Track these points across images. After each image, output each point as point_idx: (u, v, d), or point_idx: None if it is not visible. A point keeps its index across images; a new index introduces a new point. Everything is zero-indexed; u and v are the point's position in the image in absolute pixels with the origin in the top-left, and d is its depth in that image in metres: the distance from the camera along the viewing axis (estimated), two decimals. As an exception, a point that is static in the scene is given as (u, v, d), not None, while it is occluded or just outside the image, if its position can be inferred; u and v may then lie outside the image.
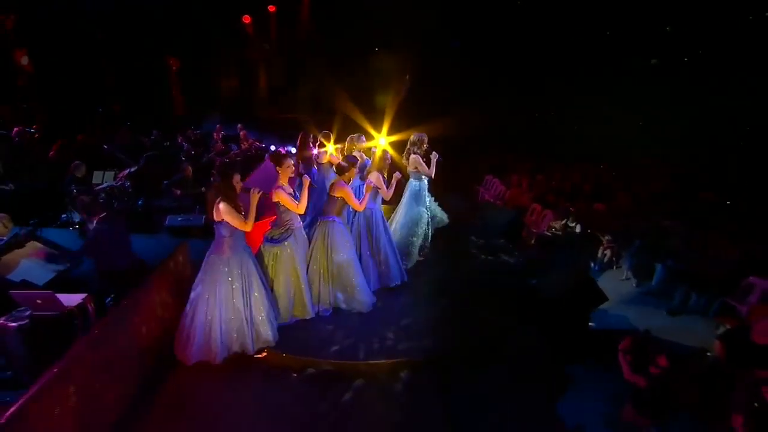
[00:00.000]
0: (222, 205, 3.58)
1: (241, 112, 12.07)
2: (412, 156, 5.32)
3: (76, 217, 5.63)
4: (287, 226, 4.17)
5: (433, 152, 5.36)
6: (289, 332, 4.20)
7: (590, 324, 4.83)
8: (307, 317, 4.39)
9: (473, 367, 3.96)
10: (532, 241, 7.52)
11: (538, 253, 6.77)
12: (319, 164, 6.01)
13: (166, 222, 5.89)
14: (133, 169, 6.85)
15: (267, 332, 3.98)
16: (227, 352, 3.84)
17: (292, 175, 4.16)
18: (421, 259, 5.74)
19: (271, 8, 11.68)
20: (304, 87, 13.24)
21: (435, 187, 5.85)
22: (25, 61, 9.11)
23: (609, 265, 6.57)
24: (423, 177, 5.45)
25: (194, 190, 6.73)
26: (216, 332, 3.75)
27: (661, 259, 5.74)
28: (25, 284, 3.71)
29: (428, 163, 5.38)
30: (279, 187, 4.04)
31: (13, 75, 9.21)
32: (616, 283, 6.08)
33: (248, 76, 13.56)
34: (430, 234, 6.01)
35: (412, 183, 5.48)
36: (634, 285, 5.92)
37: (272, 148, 9.76)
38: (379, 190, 4.81)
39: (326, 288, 4.45)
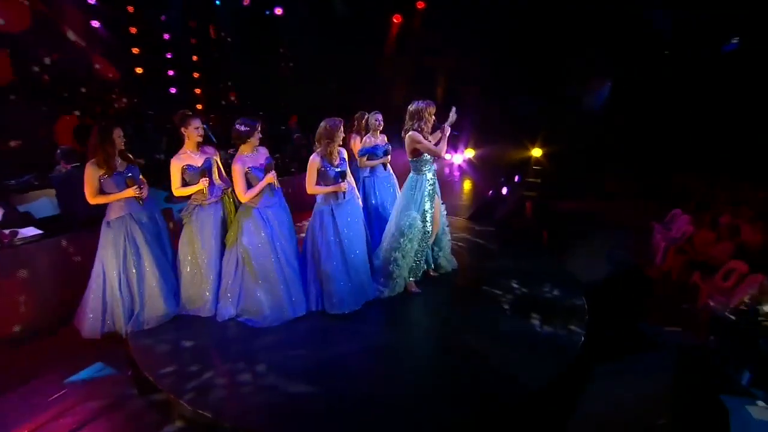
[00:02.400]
0: (87, 167, 3.12)
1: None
2: (409, 134, 3.56)
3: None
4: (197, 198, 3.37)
5: (444, 125, 3.60)
6: (170, 327, 3.37)
7: None
8: (202, 314, 3.45)
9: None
10: (703, 322, 4.14)
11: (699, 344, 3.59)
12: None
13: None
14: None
15: (159, 305, 3.37)
16: (106, 328, 3.30)
17: (199, 139, 3.36)
18: (419, 292, 3.82)
19: (420, 5, 11.00)
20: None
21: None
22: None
23: None
24: (425, 168, 3.64)
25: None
26: (97, 302, 3.26)
27: None
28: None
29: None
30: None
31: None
32: None
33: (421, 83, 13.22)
34: (440, 255, 4.08)
35: (410, 176, 3.72)
36: None
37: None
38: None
39: (235, 283, 3.38)
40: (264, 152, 3.42)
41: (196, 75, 11.26)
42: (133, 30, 9.68)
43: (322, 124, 3.39)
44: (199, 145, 3.40)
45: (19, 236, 3.70)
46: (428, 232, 3.72)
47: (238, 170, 3.19)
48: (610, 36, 10.12)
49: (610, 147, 9.70)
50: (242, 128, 3.23)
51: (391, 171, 4.48)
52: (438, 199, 3.91)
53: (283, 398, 2.60)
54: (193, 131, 3.30)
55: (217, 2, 10.69)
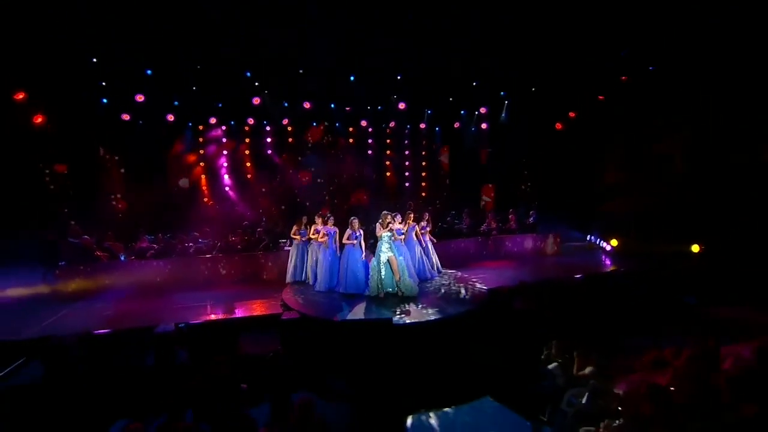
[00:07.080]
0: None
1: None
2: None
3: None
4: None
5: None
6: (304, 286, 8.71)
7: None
8: (311, 282, 8.58)
9: None
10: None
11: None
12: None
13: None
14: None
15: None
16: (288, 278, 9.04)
17: (321, 218, 8.39)
18: (382, 297, 7.39)
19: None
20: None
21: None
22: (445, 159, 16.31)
23: None
24: (383, 239, 7.40)
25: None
26: (289, 271, 9.13)
27: None
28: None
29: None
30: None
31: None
32: None
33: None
34: (399, 286, 7.36)
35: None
36: None
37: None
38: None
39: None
40: (332, 228, 8.20)
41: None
42: (424, 163, 16.67)
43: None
44: (324, 222, 8.54)
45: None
46: (383, 271, 7.20)
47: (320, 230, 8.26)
48: None
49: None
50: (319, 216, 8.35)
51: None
52: (401, 258, 7.25)
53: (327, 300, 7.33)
54: (318, 217, 8.46)
55: (473, 129, 15.84)
